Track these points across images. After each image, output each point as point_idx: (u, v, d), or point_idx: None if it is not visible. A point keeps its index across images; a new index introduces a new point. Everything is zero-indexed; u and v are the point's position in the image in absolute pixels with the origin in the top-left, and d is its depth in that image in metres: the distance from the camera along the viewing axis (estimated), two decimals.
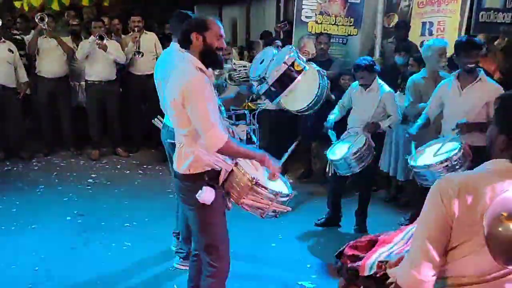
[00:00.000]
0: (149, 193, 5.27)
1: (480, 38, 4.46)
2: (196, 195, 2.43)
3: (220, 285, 2.63)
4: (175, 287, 3.42)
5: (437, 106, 3.82)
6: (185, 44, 2.50)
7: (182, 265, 3.59)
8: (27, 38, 6.44)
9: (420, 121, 3.82)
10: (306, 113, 3.43)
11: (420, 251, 1.55)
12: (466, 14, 5.43)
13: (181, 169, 2.52)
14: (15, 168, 6.02)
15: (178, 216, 3.72)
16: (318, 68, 3.38)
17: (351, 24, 6.10)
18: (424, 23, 5.84)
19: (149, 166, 6.21)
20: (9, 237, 4.12)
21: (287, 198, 2.59)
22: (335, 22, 6.11)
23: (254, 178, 2.45)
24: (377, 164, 4.75)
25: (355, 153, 3.95)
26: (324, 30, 6.08)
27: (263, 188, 2.47)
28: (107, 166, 6.20)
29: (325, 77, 3.33)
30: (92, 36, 6.03)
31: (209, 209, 2.48)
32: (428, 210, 1.58)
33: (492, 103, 3.15)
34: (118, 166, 6.21)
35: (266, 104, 4.60)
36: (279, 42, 5.66)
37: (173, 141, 2.91)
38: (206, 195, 2.43)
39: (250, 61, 4.22)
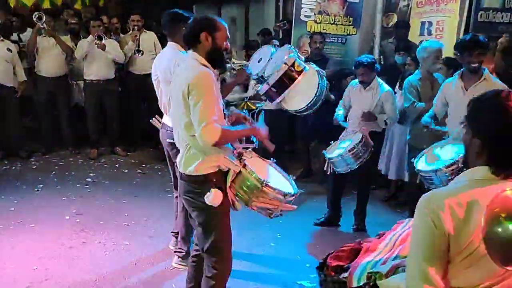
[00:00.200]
0: (147, 192, 5.26)
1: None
2: (204, 197, 2.42)
3: (221, 285, 2.63)
4: (173, 287, 3.42)
5: (442, 105, 3.77)
6: (192, 42, 2.48)
7: (181, 265, 3.58)
8: (24, 35, 6.41)
9: (430, 113, 3.81)
10: (305, 113, 3.43)
11: (418, 272, 1.50)
12: (465, 13, 5.43)
13: (187, 170, 2.49)
14: (13, 167, 6.00)
15: (176, 216, 3.71)
16: (317, 68, 3.38)
17: (350, 23, 6.11)
18: (423, 23, 5.84)
19: (148, 165, 6.20)
20: (8, 236, 4.11)
21: (294, 197, 2.59)
22: (334, 21, 6.11)
23: (264, 180, 2.43)
24: (376, 164, 4.75)
25: (351, 150, 3.95)
26: (323, 29, 6.08)
27: (272, 190, 2.47)
28: (105, 165, 6.19)
29: (324, 77, 3.34)
30: (90, 35, 6.02)
31: (215, 211, 2.47)
32: (418, 229, 1.53)
33: None
34: (117, 165, 6.20)
35: (265, 104, 4.61)
36: (276, 42, 5.65)
37: (172, 141, 2.91)
38: (214, 197, 2.41)
39: (249, 61, 4.22)
